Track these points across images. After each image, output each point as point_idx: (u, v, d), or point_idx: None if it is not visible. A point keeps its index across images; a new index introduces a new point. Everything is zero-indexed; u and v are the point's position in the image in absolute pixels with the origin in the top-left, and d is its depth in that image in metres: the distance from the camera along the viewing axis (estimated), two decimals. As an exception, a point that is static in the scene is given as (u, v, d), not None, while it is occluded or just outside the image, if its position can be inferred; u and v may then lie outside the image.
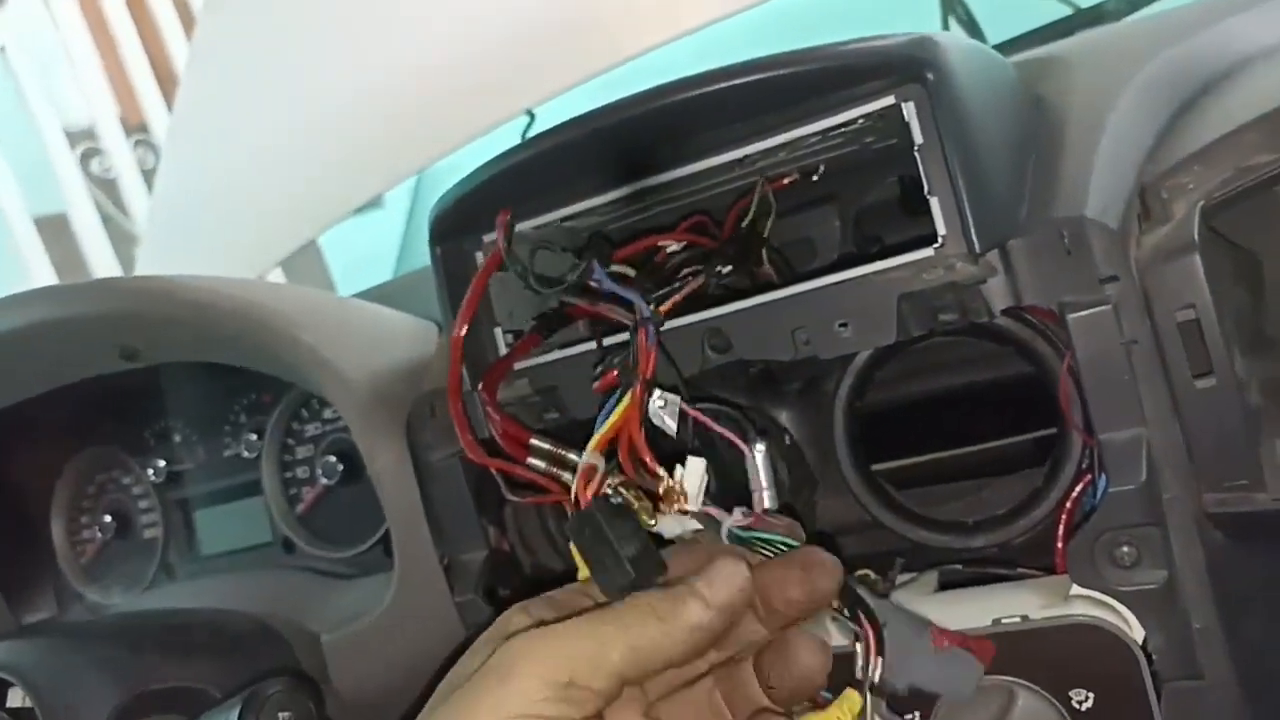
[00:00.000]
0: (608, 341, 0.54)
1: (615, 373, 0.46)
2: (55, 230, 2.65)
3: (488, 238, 0.59)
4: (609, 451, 0.45)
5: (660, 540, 0.43)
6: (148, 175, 2.64)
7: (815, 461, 0.62)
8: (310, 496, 0.80)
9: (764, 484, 0.54)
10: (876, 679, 0.38)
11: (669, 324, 0.54)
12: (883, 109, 0.49)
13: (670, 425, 0.46)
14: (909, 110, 0.48)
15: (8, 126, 2.62)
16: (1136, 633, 0.44)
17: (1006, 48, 0.96)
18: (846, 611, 0.41)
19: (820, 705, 0.39)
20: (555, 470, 0.52)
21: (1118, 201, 0.48)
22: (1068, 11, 1.01)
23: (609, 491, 0.43)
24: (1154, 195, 0.47)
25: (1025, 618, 0.45)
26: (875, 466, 0.60)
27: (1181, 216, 0.46)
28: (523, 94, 1.23)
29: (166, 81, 2.68)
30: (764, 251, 0.60)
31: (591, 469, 0.44)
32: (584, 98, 0.53)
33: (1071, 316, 0.46)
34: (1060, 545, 0.50)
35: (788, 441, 0.61)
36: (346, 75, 1.37)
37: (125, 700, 0.58)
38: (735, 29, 1.15)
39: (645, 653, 0.37)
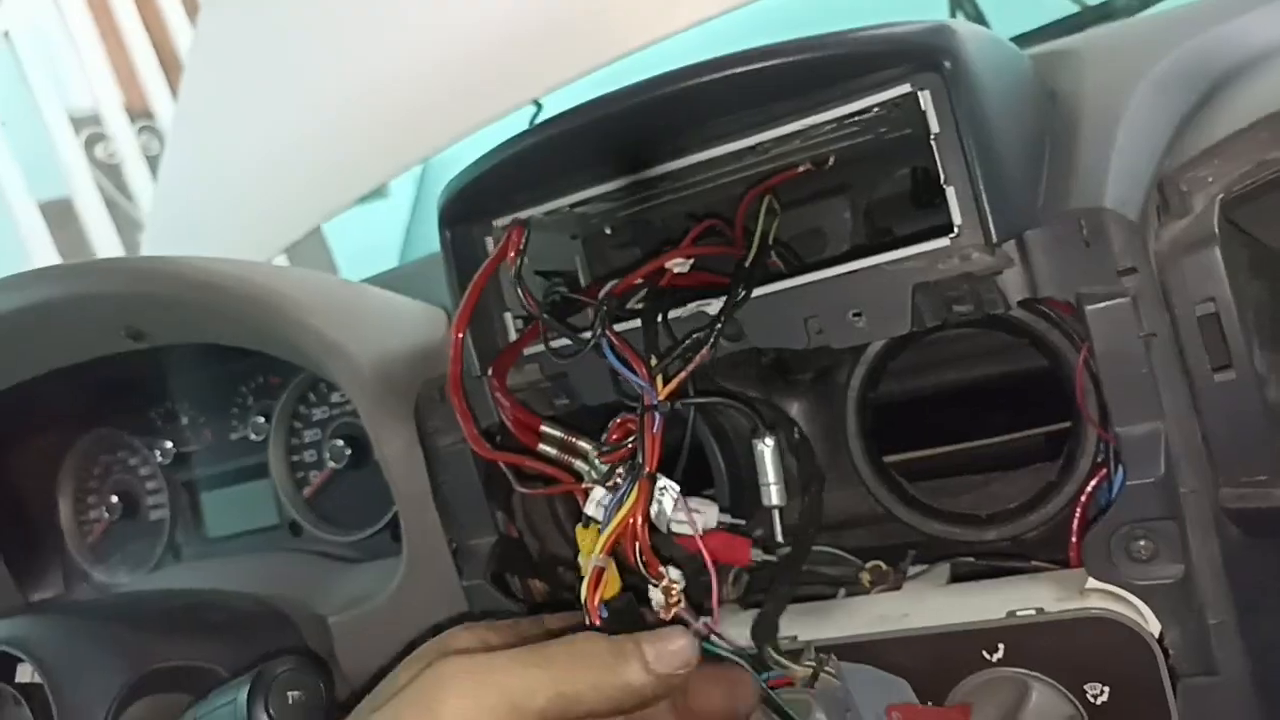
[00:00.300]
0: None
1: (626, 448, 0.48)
2: (60, 215, 2.65)
3: (498, 222, 0.59)
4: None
5: None
6: (152, 161, 2.64)
7: (827, 453, 0.62)
8: (317, 480, 0.80)
9: (771, 478, 0.54)
10: None
11: (686, 310, 0.54)
12: (898, 97, 0.49)
13: (667, 510, 0.47)
14: (925, 99, 0.48)
15: (12, 112, 2.61)
16: (1153, 627, 0.44)
17: (1017, 43, 0.96)
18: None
19: None
20: (566, 458, 0.52)
21: (1136, 194, 0.47)
22: (1075, 9, 1.01)
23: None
24: (1173, 188, 0.47)
25: (1040, 610, 0.44)
26: (888, 458, 0.60)
27: (1201, 209, 0.46)
28: (530, 84, 1.22)
29: (171, 67, 2.67)
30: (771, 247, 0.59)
31: (599, 572, 0.45)
32: (591, 89, 0.52)
33: (1090, 308, 0.46)
34: (1075, 539, 0.50)
35: (797, 435, 0.61)
36: (351, 63, 1.37)
37: (133, 677, 0.58)
38: (746, 19, 1.15)
39: (571, 700, 0.37)
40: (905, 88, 0.49)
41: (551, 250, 0.63)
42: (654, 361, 0.49)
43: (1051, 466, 0.55)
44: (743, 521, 0.56)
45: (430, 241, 0.59)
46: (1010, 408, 0.60)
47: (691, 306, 0.53)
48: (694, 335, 0.51)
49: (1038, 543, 0.54)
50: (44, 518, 0.92)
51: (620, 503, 0.46)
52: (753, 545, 0.54)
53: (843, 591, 0.56)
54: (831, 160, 0.60)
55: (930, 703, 0.46)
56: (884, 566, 0.57)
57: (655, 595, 0.45)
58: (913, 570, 0.56)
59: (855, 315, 0.51)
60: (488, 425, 0.57)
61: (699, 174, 0.57)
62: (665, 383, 0.49)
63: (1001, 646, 0.44)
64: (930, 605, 0.49)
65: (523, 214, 0.58)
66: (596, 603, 0.44)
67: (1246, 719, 0.45)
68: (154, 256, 0.67)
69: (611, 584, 0.47)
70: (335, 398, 0.80)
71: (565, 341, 0.54)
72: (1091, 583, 0.45)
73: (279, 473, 0.81)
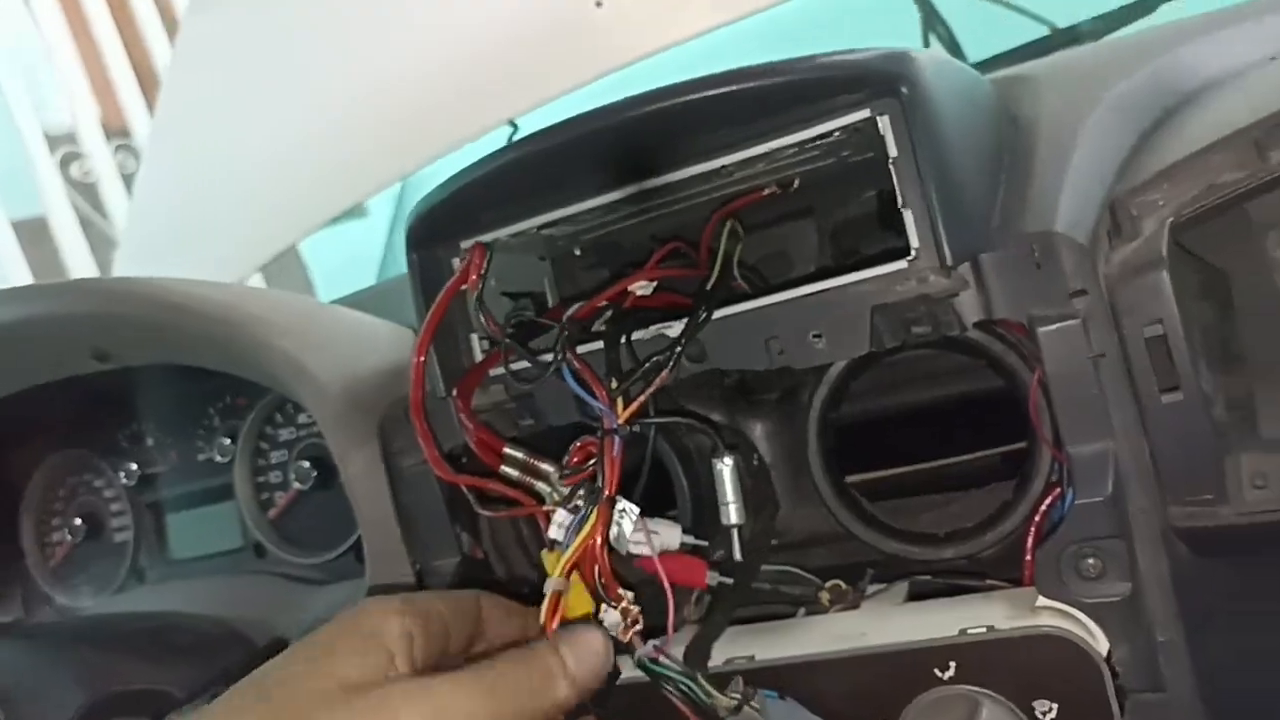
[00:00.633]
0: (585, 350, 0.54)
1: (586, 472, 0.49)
2: (34, 234, 2.63)
3: (465, 244, 0.59)
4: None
5: None
6: (128, 180, 2.63)
7: (790, 473, 0.63)
8: (283, 501, 0.80)
9: (730, 497, 0.55)
10: None
11: (647, 332, 0.54)
12: (859, 122, 0.50)
13: (626, 532, 0.48)
14: (884, 124, 0.49)
15: (-12, 130, 2.60)
16: (1101, 644, 0.45)
17: (985, 66, 0.97)
18: None
19: None
20: (529, 480, 0.52)
21: (1088, 217, 0.48)
22: (1045, 32, 1.02)
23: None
24: (1124, 211, 0.48)
25: (991, 628, 0.45)
26: (851, 478, 0.60)
27: (1150, 233, 0.46)
28: (507, 103, 1.23)
29: (149, 86, 2.67)
30: (735, 270, 0.60)
31: (557, 596, 0.45)
32: (568, 109, 0.53)
33: (1041, 330, 0.47)
34: (1029, 557, 0.50)
35: (755, 461, 0.62)
36: (329, 82, 1.37)
37: (91, 701, 0.58)
38: (720, 42, 1.16)
39: None
40: (865, 113, 0.50)
41: (520, 272, 0.64)
42: (614, 384, 0.50)
43: (1010, 486, 0.56)
44: (705, 542, 0.56)
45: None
46: (971, 428, 0.61)
47: (653, 329, 0.53)
48: (654, 358, 0.51)
49: (994, 561, 0.54)
50: (6, 540, 0.91)
51: (580, 526, 0.46)
52: (709, 568, 0.55)
53: (802, 610, 0.57)
54: (797, 183, 0.61)
55: (886, 720, 0.47)
56: (843, 585, 0.57)
57: (611, 617, 0.45)
58: (871, 589, 0.56)
59: (815, 336, 0.52)
60: (452, 447, 0.57)
61: (666, 196, 0.58)
62: (626, 405, 0.49)
63: (953, 664, 0.45)
64: (886, 623, 0.49)
65: (487, 236, 0.58)
66: (554, 626, 0.45)
67: (1192, 736, 0.45)
68: (117, 277, 0.67)
69: (580, 605, 0.47)
70: (302, 419, 0.80)
71: (527, 364, 0.55)
72: (1042, 600, 0.46)
73: (244, 494, 0.80)
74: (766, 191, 0.60)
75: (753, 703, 0.47)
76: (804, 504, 0.62)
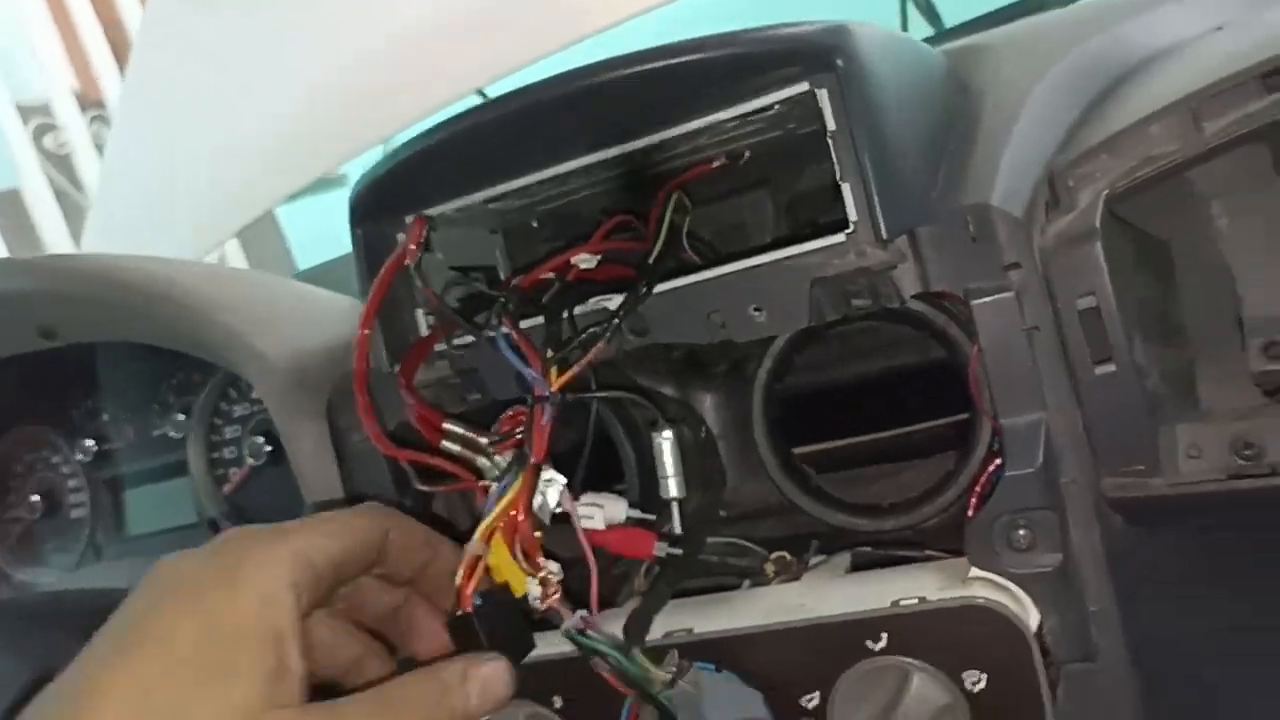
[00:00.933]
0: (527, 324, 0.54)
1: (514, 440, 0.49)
2: (8, 206, 2.61)
3: (410, 217, 0.59)
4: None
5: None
6: (103, 150, 2.60)
7: (738, 445, 0.63)
8: (237, 477, 0.79)
9: (670, 471, 0.55)
10: None
11: (588, 305, 0.54)
12: (799, 95, 0.49)
13: (550, 502, 0.47)
14: (822, 97, 0.48)
15: (-42, 102, 2.57)
16: (1031, 615, 0.45)
17: (954, 33, 0.97)
18: None
19: None
20: (470, 455, 0.52)
21: (1024, 189, 0.48)
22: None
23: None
24: (1061, 183, 0.47)
25: (923, 599, 0.45)
26: (797, 450, 0.60)
27: (1086, 205, 0.46)
28: (477, 72, 1.22)
29: (123, 56, 2.63)
30: (684, 241, 0.60)
31: (474, 560, 0.45)
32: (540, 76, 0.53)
33: (975, 303, 0.47)
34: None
35: (703, 434, 0.62)
36: (298, 48, 1.36)
37: (35, 677, 0.58)
38: (685, 12, 1.15)
39: None
40: (804, 86, 0.49)
41: (471, 245, 0.63)
42: (550, 354, 0.49)
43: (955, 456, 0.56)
44: (653, 517, 0.56)
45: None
46: (920, 399, 0.61)
47: (594, 302, 0.53)
48: (592, 329, 0.51)
49: (936, 532, 0.54)
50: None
51: (503, 493, 0.46)
52: (659, 539, 0.55)
53: (747, 583, 0.57)
54: (747, 155, 0.61)
55: (818, 692, 0.47)
56: (788, 557, 0.57)
57: (532, 588, 0.45)
58: (815, 560, 0.56)
59: (756, 310, 0.52)
60: (399, 422, 0.57)
61: (616, 170, 0.57)
62: (560, 375, 0.49)
63: (885, 635, 0.45)
64: (824, 595, 0.49)
65: (433, 210, 0.58)
66: (470, 591, 0.45)
67: (1124, 704, 0.46)
68: (61, 255, 0.66)
69: (507, 572, 0.47)
70: (255, 394, 0.79)
71: (471, 339, 0.54)
72: (974, 571, 0.46)
73: (198, 470, 0.80)
74: (716, 164, 0.60)
75: (688, 676, 0.47)
76: (752, 476, 0.62)
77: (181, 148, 1.46)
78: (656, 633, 0.51)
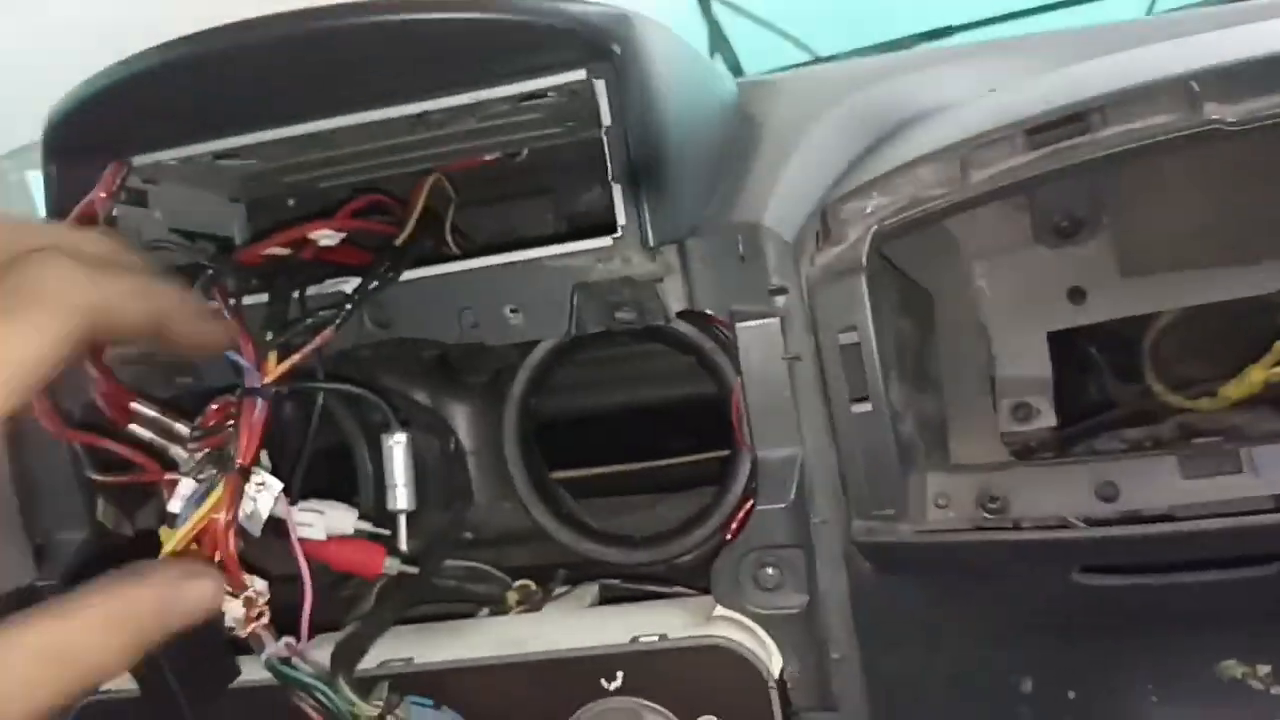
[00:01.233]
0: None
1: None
2: None
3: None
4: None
5: None
6: None
7: (490, 464, 0.58)
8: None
9: (399, 479, 0.49)
10: None
11: (324, 287, 0.48)
12: (575, 84, 0.46)
13: (262, 511, 0.41)
14: (600, 88, 0.45)
15: None
16: (775, 659, 0.43)
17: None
18: None
19: None
20: (163, 442, 0.45)
21: (797, 217, 0.47)
22: (808, 58, 1.06)
23: None
24: (833, 216, 0.47)
25: (663, 636, 0.42)
26: (557, 475, 0.57)
27: (854, 239, 0.45)
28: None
29: None
30: (449, 236, 0.55)
31: None
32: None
33: (740, 325, 0.45)
34: (718, 565, 0.48)
35: (452, 447, 0.57)
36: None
37: None
38: None
39: None
40: (581, 74, 0.46)
41: (204, 210, 0.56)
42: (268, 338, 0.43)
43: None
44: (387, 532, 0.51)
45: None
46: (691, 432, 0.59)
47: (331, 284, 0.48)
48: (320, 313, 0.45)
49: (691, 569, 0.52)
50: None
51: (203, 498, 0.40)
52: (390, 556, 0.49)
53: (486, 611, 0.53)
54: (525, 154, 0.57)
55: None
56: (533, 586, 0.53)
57: (233, 609, 0.39)
58: (560, 591, 0.52)
59: (513, 311, 0.48)
60: (87, 401, 0.48)
61: (375, 144, 0.52)
62: (278, 364, 0.43)
63: (621, 674, 0.42)
64: (563, 628, 0.46)
65: (147, 157, 0.50)
66: None
67: (856, 755, 0.44)
68: None
69: None
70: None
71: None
72: (719, 610, 0.43)
73: None
74: (489, 157, 0.56)
75: (397, 711, 0.42)
76: (503, 498, 0.58)
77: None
78: (372, 662, 0.46)
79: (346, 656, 0.44)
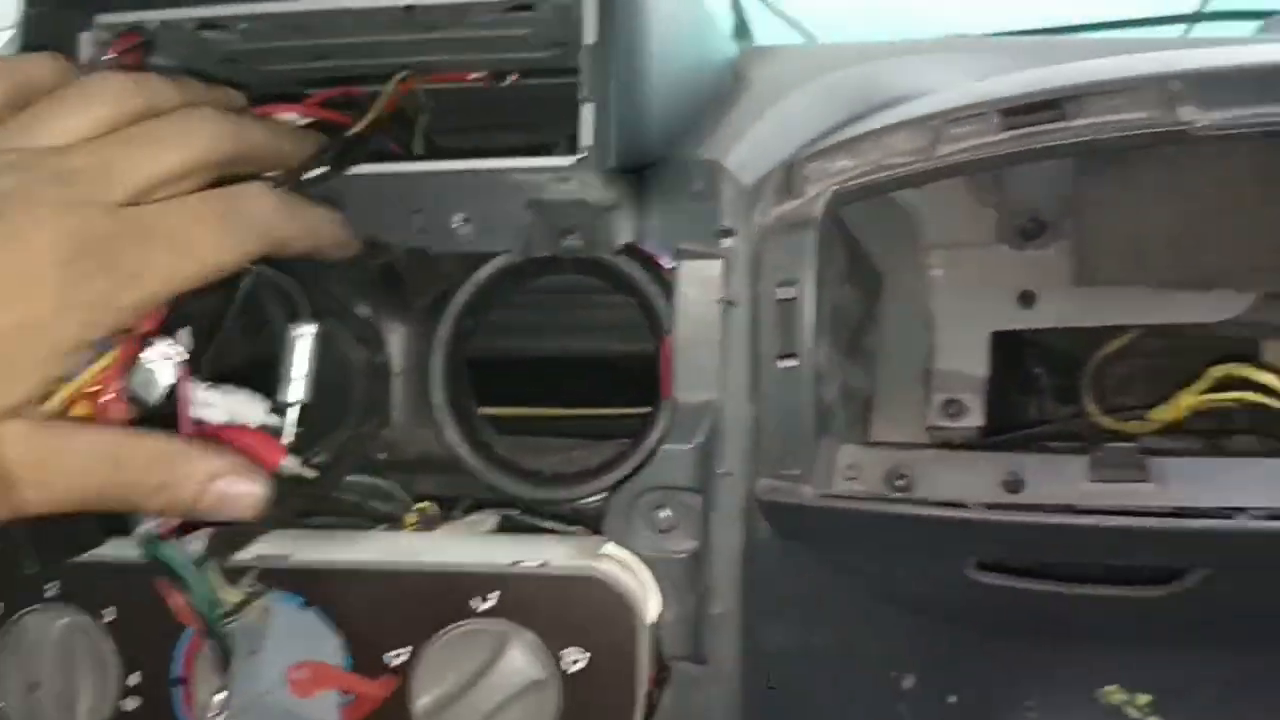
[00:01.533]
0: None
1: None
2: None
3: (105, 19, 0.49)
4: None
5: None
6: None
7: (416, 387, 0.57)
8: None
9: (294, 372, 0.47)
10: None
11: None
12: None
13: (161, 382, 0.39)
14: (589, 4, 0.44)
15: None
16: (653, 602, 0.41)
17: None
18: None
19: None
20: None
21: (759, 168, 0.46)
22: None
23: None
24: (797, 172, 0.46)
25: (545, 563, 0.40)
26: (483, 411, 0.55)
27: (813, 195, 0.44)
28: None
29: None
30: (421, 143, 0.53)
31: None
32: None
33: (683, 264, 0.44)
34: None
35: (379, 361, 0.55)
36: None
37: None
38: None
39: None
40: None
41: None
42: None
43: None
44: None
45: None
46: (621, 386, 0.58)
47: None
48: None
49: (596, 513, 0.51)
50: None
51: (92, 360, 0.37)
52: (289, 454, 0.48)
53: (382, 528, 0.51)
54: (514, 79, 0.55)
55: (409, 649, 0.41)
56: (433, 510, 0.52)
57: None
58: (462, 519, 0.51)
59: (464, 220, 0.47)
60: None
61: (360, 35, 0.50)
62: None
63: (495, 595, 0.40)
64: (449, 547, 0.44)
65: (129, 16, 0.48)
66: None
67: (724, 713, 0.43)
68: None
69: None
70: None
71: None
72: (608, 547, 0.42)
73: None
74: (473, 76, 0.54)
75: (262, 602, 0.40)
76: (424, 425, 0.56)
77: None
78: (249, 554, 0.44)
79: (222, 545, 0.43)
